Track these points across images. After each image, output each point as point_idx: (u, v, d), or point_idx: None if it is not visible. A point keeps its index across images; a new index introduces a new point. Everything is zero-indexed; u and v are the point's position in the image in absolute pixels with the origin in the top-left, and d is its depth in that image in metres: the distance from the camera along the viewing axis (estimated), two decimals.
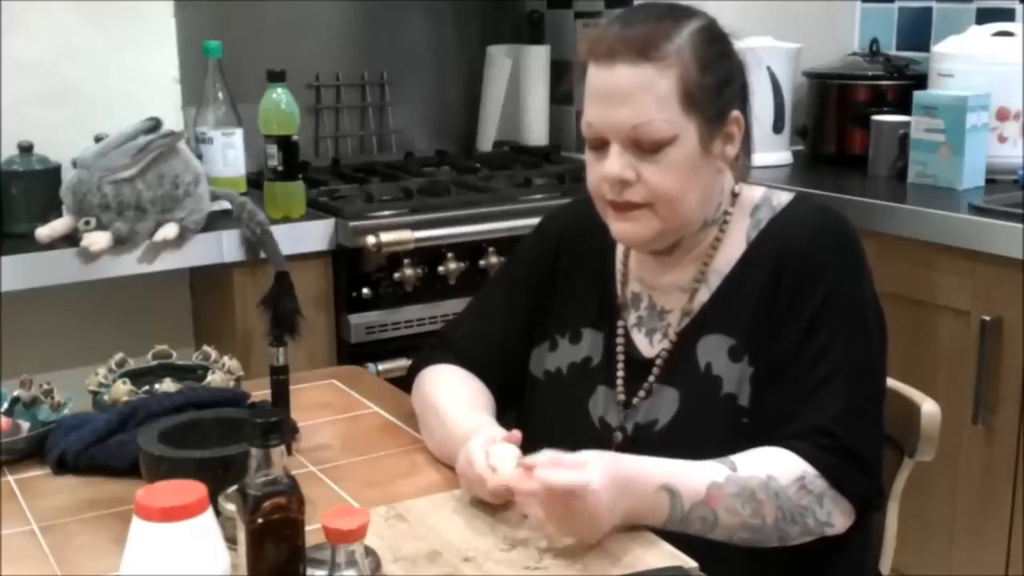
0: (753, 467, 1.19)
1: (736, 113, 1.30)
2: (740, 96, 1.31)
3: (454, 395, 1.39)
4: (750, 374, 1.28)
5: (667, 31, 1.25)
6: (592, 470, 1.11)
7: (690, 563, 1.10)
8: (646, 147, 1.25)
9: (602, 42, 1.26)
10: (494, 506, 1.21)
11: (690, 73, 1.24)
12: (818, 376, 1.24)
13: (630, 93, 1.24)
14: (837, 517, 1.22)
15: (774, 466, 1.20)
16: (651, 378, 1.34)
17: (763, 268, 1.30)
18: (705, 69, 1.25)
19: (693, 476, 1.17)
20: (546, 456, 1.14)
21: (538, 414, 1.44)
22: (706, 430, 1.29)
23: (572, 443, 1.17)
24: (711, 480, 1.17)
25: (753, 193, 1.37)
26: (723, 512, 1.17)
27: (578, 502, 1.10)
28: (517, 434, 1.22)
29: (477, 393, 1.41)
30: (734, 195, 1.36)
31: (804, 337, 1.26)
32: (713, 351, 1.31)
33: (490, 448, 1.19)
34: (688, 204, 1.28)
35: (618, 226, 1.31)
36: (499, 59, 2.91)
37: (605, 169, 1.27)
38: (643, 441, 1.31)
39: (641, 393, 1.35)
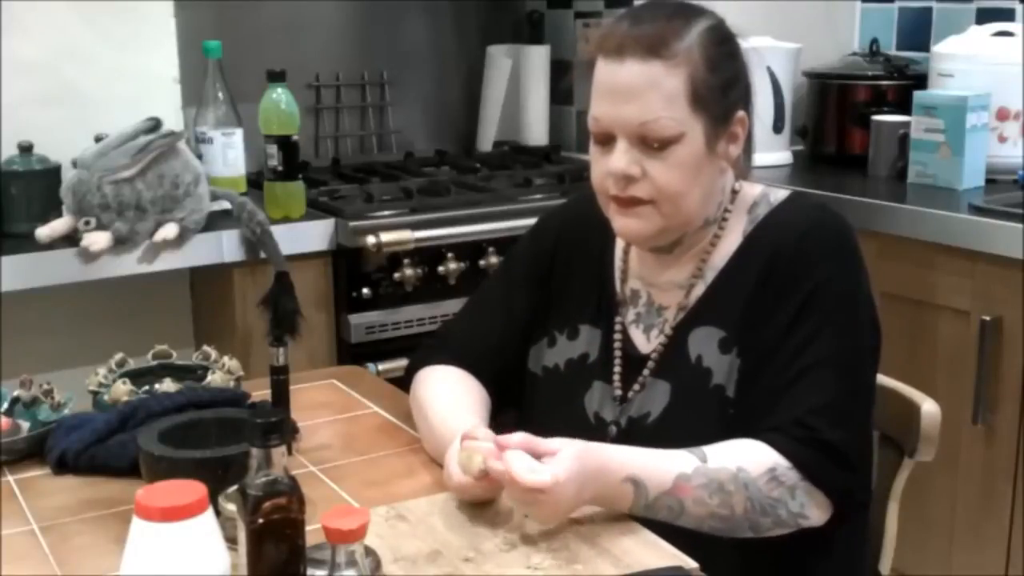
0: (723, 459, 1.20)
1: (741, 113, 1.31)
2: (745, 96, 1.32)
3: (445, 397, 1.39)
4: (738, 366, 1.29)
5: (677, 29, 1.26)
6: (560, 464, 1.12)
7: (690, 563, 1.10)
8: (653, 144, 1.25)
9: (611, 38, 1.27)
10: (494, 506, 1.21)
11: (699, 72, 1.25)
12: (800, 367, 1.24)
13: (639, 90, 1.24)
14: (812, 509, 1.22)
15: (745, 458, 1.20)
16: (645, 372, 1.35)
17: (756, 262, 1.31)
18: (713, 69, 1.26)
19: (661, 467, 1.19)
20: (518, 439, 1.15)
21: (536, 410, 1.44)
22: (695, 422, 1.29)
23: (568, 438, 1.18)
24: (679, 471, 1.18)
25: (752, 191, 1.38)
26: (690, 502, 1.18)
27: (541, 495, 1.11)
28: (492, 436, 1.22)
29: (470, 394, 1.41)
30: (734, 193, 1.37)
31: (789, 328, 1.26)
32: (704, 343, 1.31)
33: (461, 456, 1.19)
34: (691, 202, 1.29)
35: (621, 221, 1.31)
36: (499, 59, 2.91)
37: (611, 164, 1.27)
38: (636, 434, 1.32)
39: (636, 387, 1.36)
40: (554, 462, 1.12)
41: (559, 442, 1.15)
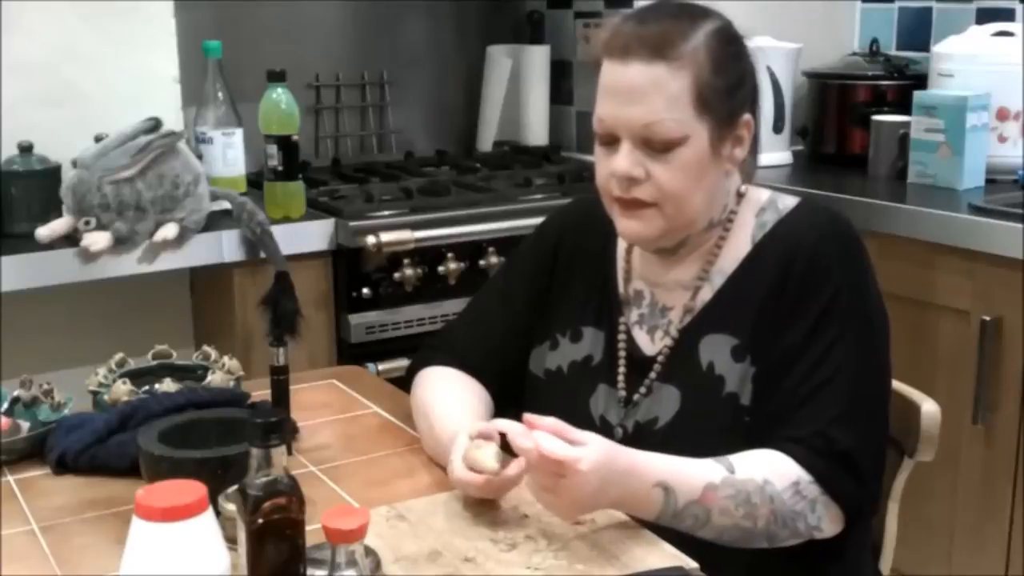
0: (750, 470, 1.19)
1: (747, 116, 1.30)
2: (751, 99, 1.32)
3: (446, 398, 1.39)
4: (752, 374, 1.28)
5: (683, 30, 1.25)
6: (588, 452, 1.11)
7: (691, 564, 1.10)
8: (656, 146, 1.25)
9: (617, 38, 1.26)
10: (495, 507, 1.21)
11: (704, 74, 1.24)
12: (820, 378, 1.24)
13: (643, 91, 1.24)
14: (827, 523, 1.22)
15: (771, 470, 1.20)
16: (652, 375, 1.35)
17: (768, 269, 1.30)
18: (719, 71, 1.25)
19: (690, 475, 1.18)
20: (551, 421, 1.14)
21: (538, 413, 1.43)
22: (707, 429, 1.29)
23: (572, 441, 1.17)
24: (708, 481, 1.18)
25: (759, 195, 1.37)
26: (716, 512, 1.18)
27: (563, 479, 1.10)
28: (494, 431, 1.23)
29: (471, 395, 1.41)
30: (740, 195, 1.36)
31: (807, 338, 1.26)
32: (716, 350, 1.31)
33: (472, 452, 1.19)
34: (694, 204, 1.29)
35: (624, 223, 1.31)
36: (499, 59, 2.91)
37: (615, 166, 1.27)
38: (643, 439, 1.31)
39: (642, 390, 1.35)
40: (582, 450, 1.11)
41: (589, 435, 1.14)
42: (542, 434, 1.12)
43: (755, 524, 1.19)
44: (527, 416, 1.16)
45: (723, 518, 1.18)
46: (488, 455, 1.18)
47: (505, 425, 1.18)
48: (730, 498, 1.18)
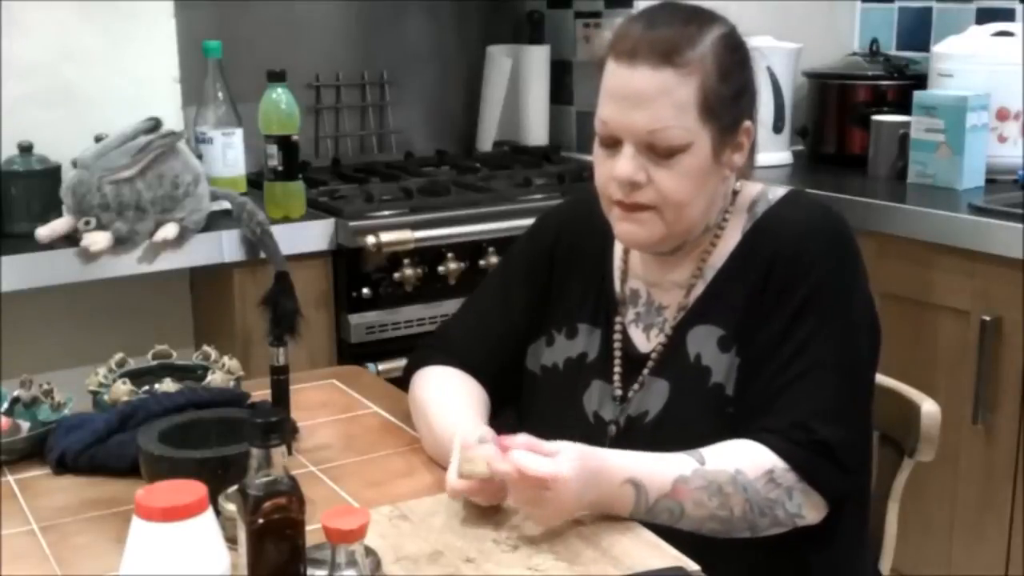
0: (721, 461, 1.20)
1: (748, 123, 1.30)
2: (751, 105, 1.32)
3: (444, 397, 1.39)
4: (738, 365, 1.29)
5: (691, 36, 1.24)
6: (564, 460, 1.12)
7: (692, 566, 1.10)
8: (660, 152, 1.25)
9: (625, 40, 1.26)
10: (497, 507, 1.21)
11: (710, 81, 1.24)
12: (799, 369, 1.25)
13: (649, 97, 1.23)
14: (808, 510, 1.23)
15: (743, 460, 1.20)
16: (645, 371, 1.35)
17: (755, 261, 1.31)
18: (724, 78, 1.25)
19: (660, 470, 1.19)
20: (522, 439, 1.15)
21: (534, 409, 1.44)
22: (694, 420, 1.29)
23: (566, 437, 1.18)
24: (678, 474, 1.18)
25: (752, 189, 1.38)
26: (689, 505, 1.18)
27: (548, 491, 1.11)
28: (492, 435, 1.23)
29: (469, 394, 1.41)
30: (734, 193, 1.37)
31: (788, 328, 1.26)
32: (703, 342, 1.31)
33: (464, 464, 1.19)
34: (694, 210, 1.29)
35: (622, 227, 1.31)
36: (499, 59, 2.91)
37: (617, 170, 1.26)
38: (635, 433, 1.32)
39: (635, 387, 1.36)
40: (558, 459, 1.13)
41: (558, 444, 1.15)
42: (519, 453, 1.13)
43: (732, 514, 1.19)
44: (498, 440, 1.17)
45: (698, 510, 1.19)
46: (477, 462, 1.17)
47: (479, 452, 1.17)
48: (702, 489, 1.18)
